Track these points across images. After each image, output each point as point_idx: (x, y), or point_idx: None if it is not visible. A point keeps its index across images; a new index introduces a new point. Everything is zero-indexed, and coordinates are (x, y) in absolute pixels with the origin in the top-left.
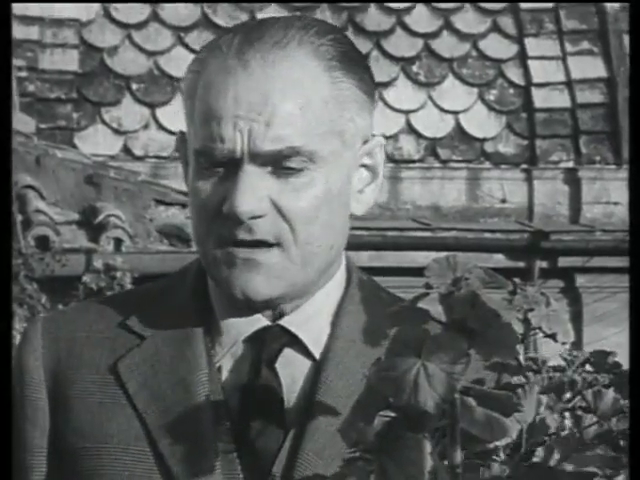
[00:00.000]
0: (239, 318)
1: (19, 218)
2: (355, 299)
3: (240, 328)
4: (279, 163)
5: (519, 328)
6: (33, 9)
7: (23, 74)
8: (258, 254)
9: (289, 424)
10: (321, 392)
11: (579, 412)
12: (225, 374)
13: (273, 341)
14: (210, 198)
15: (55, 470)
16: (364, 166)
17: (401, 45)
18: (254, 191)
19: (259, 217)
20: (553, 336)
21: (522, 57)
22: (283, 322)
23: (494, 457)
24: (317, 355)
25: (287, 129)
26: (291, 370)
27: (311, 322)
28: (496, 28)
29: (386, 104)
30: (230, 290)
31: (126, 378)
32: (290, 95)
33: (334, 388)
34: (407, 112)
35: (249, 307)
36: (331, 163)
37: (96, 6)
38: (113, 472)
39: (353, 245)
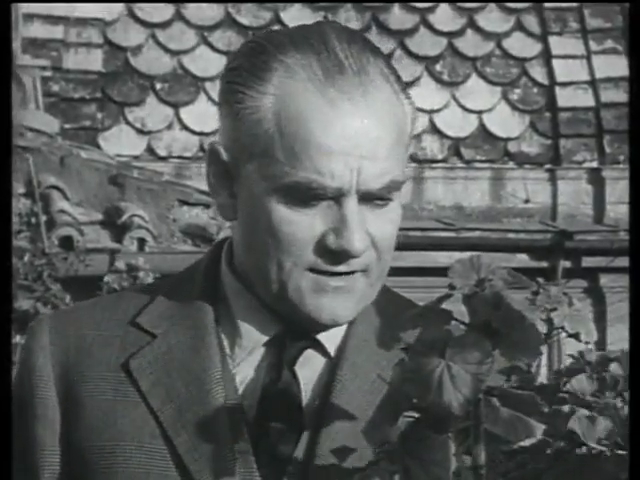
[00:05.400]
0: (259, 321)
1: (43, 218)
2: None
3: (261, 331)
4: (381, 197)
5: (542, 328)
6: (57, 9)
7: (47, 74)
8: (347, 281)
9: (305, 424)
10: (337, 391)
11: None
12: (244, 375)
13: (294, 343)
14: (304, 230)
15: (68, 469)
16: None
17: (425, 44)
18: (362, 228)
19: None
20: (576, 336)
21: (546, 56)
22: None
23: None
24: (333, 355)
25: (389, 162)
26: (308, 370)
27: None
28: (520, 27)
29: None
30: (317, 315)
31: (138, 376)
32: (386, 126)
33: (349, 387)
34: (430, 112)
35: (317, 328)
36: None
37: (120, 5)
38: (128, 470)
39: None
